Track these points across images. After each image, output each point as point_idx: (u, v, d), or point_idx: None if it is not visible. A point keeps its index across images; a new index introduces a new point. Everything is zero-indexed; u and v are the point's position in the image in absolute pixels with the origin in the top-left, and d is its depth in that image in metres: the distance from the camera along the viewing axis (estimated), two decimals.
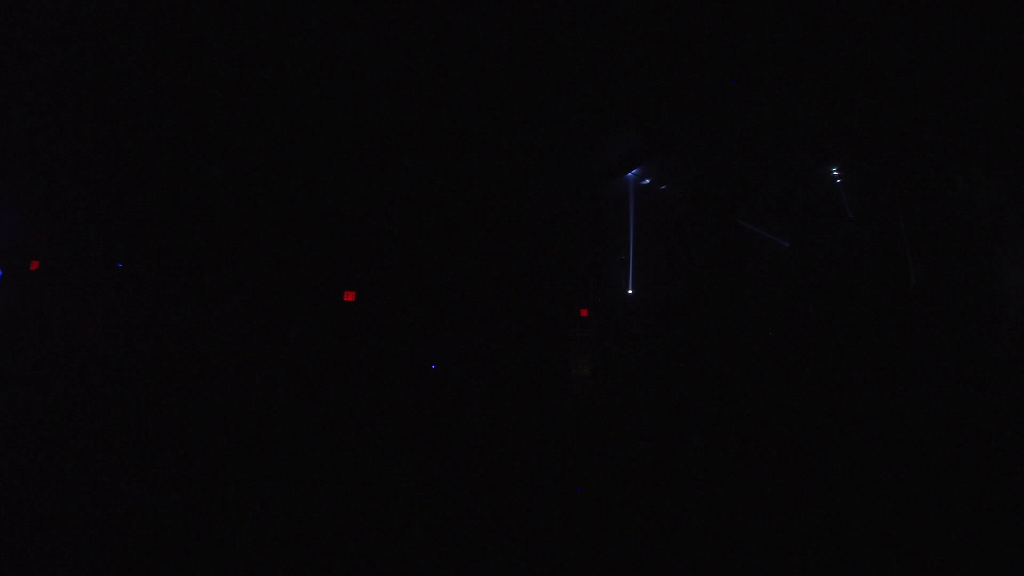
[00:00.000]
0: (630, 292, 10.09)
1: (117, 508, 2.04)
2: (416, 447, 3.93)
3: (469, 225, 7.69)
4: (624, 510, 2.09)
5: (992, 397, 4.65)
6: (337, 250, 9.13)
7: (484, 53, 6.51)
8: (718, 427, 4.27)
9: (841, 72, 6.30)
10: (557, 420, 5.56)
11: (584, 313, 9.99)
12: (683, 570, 1.53)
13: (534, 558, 1.63)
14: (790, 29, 5.87)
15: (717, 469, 2.76)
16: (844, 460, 2.95)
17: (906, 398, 5.33)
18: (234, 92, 6.35)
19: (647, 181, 9.47)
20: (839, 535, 1.77)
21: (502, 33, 6.18)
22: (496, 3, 5.72)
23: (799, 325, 6.85)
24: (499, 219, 9.06)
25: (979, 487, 2.20)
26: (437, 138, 8.04)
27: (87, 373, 6.01)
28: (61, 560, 1.62)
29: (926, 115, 6.26)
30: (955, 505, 2.03)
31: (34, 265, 6.56)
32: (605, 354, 9.41)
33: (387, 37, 6.15)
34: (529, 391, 8.47)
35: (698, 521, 1.94)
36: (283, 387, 7.39)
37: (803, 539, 1.75)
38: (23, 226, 6.50)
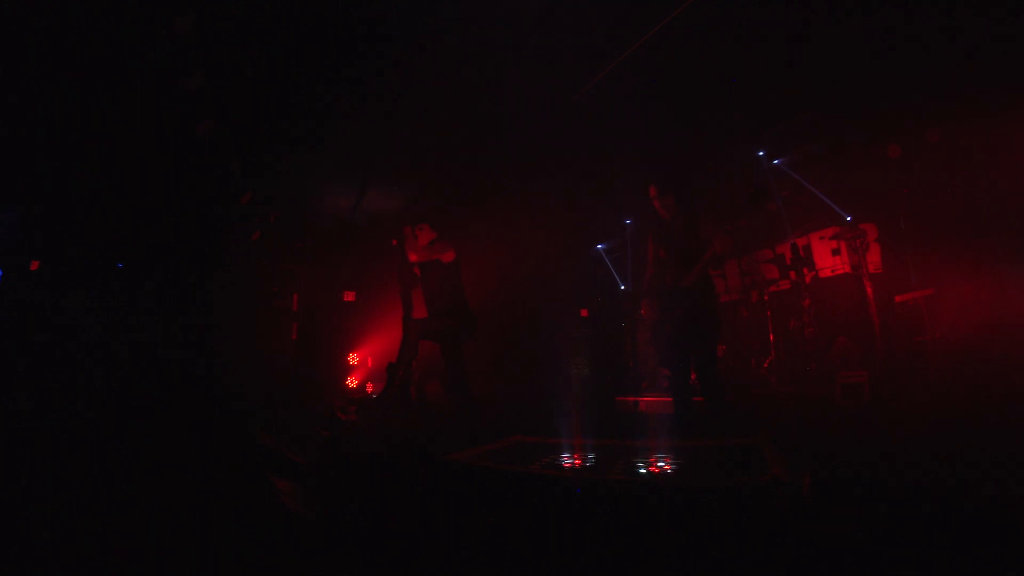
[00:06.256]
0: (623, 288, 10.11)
1: (118, 508, 2.05)
2: (414, 445, 3.94)
3: (468, 224, 7.70)
4: (623, 510, 2.09)
5: (991, 399, 4.65)
6: (337, 250, 9.12)
7: (484, 58, 6.53)
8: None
9: (840, 70, 6.31)
10: (556, 419, 5.56)
11: (584, 313, 10.00)
12: (682, 569, 1.53)
13: (533, 558, 1.64)
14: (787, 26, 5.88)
15: (716, 468, 2.76)
16: (838, 460, 2.95)
17: (904, 397, 5.33)
18: (235, 91, 6.35)
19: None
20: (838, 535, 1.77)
21: (500, 42, 6.22)
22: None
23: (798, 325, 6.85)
24: (499, 218, 9.06)
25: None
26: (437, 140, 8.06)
27: (87, 373, 6.01)
28: (62, 561, 1.63)
29: (926, 113, 6.27)
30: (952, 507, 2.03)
31: (34, 265, 6.54)
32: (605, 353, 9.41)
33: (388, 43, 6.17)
34: (528, 390, 8.47)
35: (698, 521, 1.94)
36: (282, 386, 7.38)
37: (803, 539, 1.75)
38: (23, 226, 6.49)
